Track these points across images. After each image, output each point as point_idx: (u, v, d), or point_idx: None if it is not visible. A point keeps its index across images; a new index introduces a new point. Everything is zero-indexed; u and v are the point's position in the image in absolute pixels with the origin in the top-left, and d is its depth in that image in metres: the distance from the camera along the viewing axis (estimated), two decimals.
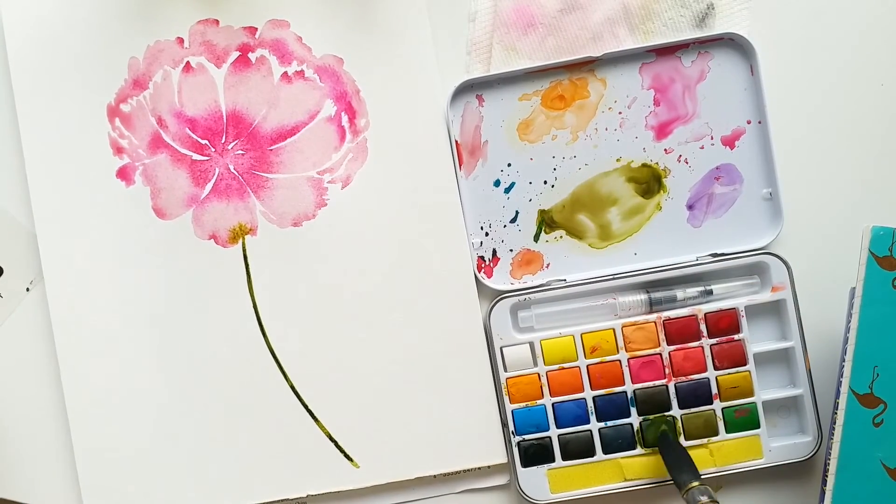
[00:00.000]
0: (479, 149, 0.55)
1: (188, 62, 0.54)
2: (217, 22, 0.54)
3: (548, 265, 0.55)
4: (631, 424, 0.54)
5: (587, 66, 0.54)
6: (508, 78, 0.54)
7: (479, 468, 0.55)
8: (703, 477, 0.50)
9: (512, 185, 0.55)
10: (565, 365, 0.54)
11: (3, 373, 0.55)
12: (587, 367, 0.54)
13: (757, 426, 0.54)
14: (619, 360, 0.54)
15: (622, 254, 0.55)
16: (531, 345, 0.54)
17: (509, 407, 0.54)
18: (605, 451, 0.54)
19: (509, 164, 0.54)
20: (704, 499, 0.48)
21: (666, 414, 0.54)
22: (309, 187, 0.54)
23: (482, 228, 0.55)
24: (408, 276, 0.54)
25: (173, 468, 0.54)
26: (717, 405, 0.54)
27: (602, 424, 0.54)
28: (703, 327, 0.54)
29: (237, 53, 0.54)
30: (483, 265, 0.55)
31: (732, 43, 0.54)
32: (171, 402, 0.54)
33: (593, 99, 0.54)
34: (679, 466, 0.51)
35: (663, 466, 0.53)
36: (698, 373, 0.54)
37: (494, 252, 0.55)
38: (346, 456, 0.54)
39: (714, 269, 0.54)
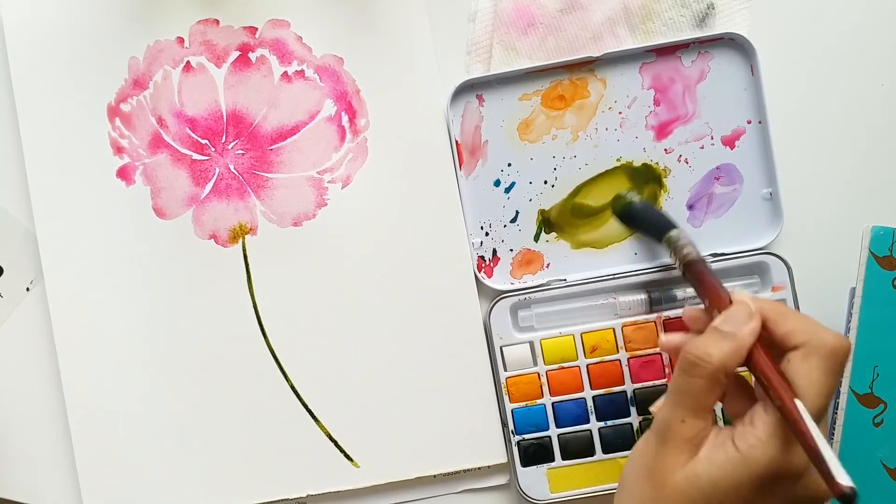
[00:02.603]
0: (479, 149, 0.55)
1: (188, 62, 0.54)
2: (217, 22, 0.54)
3: (548, 265, 0.55)
4: (631, 424, 0.54)
5: (587, 66, 0.54)
6: (508, 78, 0.54)
7: (479, 468, 0.55)
8: None
9: (512, 184, 0.55)
10: (565, 364, 0.54)
11: (3, 373, 0.55)
12: (587, 366, 0.54)
13: None
14: (619, 360, 0.54)
15: (622, 254, 0.55)
16: (531, 344, 0.54)
17: (509, 406, 0.54)
18: (605, 451, 0.54)
19: (509, 164, 0.55)
20: (683, 241, 0.48)
21: None
22: (309, 187, 0.54)
23: (482, 228, 0.55)
24: (408, 276, 0.54)
25: (173, 468, 0.54)
26: (717, 405, 0.54)
27: (602, 424, 0.54)
28: None
29: (237, 53, 0.54)
30: (483, 265, 0.55)
31: (732, 43, 0.54)
32: (171, 402, 0.54)
33: (593, 99, 0.54)
34: (652, 221, 0.51)
35: None
36: None
37: (494, 252, 0.55)
38: (346, 456, 0.54)
39: (714, 269, 0.54)
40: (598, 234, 0.55)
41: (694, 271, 0.47)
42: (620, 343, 0.54)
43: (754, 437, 0.40)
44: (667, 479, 0.41)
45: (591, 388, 0.54)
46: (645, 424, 0.54)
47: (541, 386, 0.54)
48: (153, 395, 0.54)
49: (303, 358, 0.54)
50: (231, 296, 0.54)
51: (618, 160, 0.54)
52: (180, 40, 0.54)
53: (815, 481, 0.40)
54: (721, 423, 0.54)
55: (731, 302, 0.44)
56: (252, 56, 0.54)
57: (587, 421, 0.54)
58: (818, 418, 0.40)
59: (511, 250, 0.55)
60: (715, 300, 0.45)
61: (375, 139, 0.54)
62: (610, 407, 0.54)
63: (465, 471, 0.55)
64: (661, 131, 0.54)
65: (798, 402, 0.39)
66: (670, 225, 0.50)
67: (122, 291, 0.54)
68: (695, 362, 0.42)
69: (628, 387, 0.54)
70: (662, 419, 0.42)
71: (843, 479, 0.37)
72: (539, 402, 0.54)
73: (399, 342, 0.54)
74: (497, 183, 0.55)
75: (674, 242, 0.49)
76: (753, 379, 0.42)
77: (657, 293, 0.54)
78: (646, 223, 0.53)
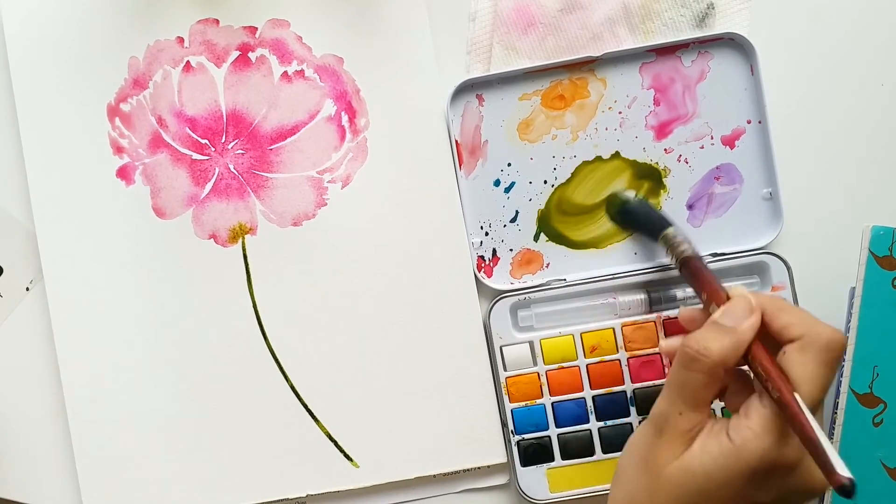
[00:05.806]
0: (479, 148, 0.55)
1: (188, 62, 0.54)
2: (217, 21, 0.54)
3: (548, 265, 0.55)
4: (631, 424, 0.54)
5: (587, 65, 0.54)
6: (508, 78, 0.54)
7: (479, 468, 0.55)
8: None
9: (512, 184, 0.55)
10: (565, 364, 0.54)
11: (3, 373, 0.55)
12: (587, 366, 0.54)
13: None
14: (619, 360, 0.54)
15: (622, 254, 0.55)
16: (531, 344, 0.54)
17: (509, 406, 0.54)
18: (605, 451, 0.54)
19: (509, 164, 0.55)
20: (679, 238, 0.49)
21: None
22: (309, 187, 0.54)
23: (482, 228, 0.55)
24: (408, 276, 0.54)
25: (173, 468, 0.54)
26: (717, 405, 0.54)
27: (602, 424, 0.54)
28: None
29: (237, 53, 0.54)
30: (483, 265, 0.55)
31: (732, 43, 0.54)
32: (171, 402, 0.54)
33: (593, 99, 0.54)
34: (648, 220, 0.52)
35: None
36: None
37: (494, 252, 0.55)
38: (346, 456, 0.54)
39: (714, 269, 0.54)
40: (591, 234, 0.55)
41: (691, 268, 0.48)
42: (620, 343, 0.54)
43: (748, 429, 0.40)
44: (661, 470, 0.41)
45: (591, 388, 0.54)
46: None
47: (541, 386, 0.54)
48: (153, 394, 0.54)
49: (303, 358, 0.54)
50: (231, 296, 0.54)
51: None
52: (180, 40, 0.54)
53: (808, 474, 0.41)
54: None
55: (728, 298, 0.44)
56: (252, 56, 0.54)
57: (587, 421, 0.54)
58: (814, 411, 0.40)
59: (511, 250, 0.55)
60: (713, 296, 0.45)
61: (375, 139, 0.54)
62: (610, 407, 0.54)
63: (464, 471, 0.55)
64: (661, 131, 0.54)
65: (796, 395, 0.40)
66: (666, 223, 0.51)
67: (122, 291, 0.54)
68: (694, 357, 0.42)
69: (628, 387, 0.54)
70: (660, 411, 0.42)
71: (842, 470, 0.37)
72: (539, 401, 0.54)
73: (399, 342, 0.54)
74: (497, 183, 0.55)
75: (670, 240, 0.49)
76: (751, 373, 0.42)
77: (657, 293, 0.54)
78: (641, 222, 0.53)
